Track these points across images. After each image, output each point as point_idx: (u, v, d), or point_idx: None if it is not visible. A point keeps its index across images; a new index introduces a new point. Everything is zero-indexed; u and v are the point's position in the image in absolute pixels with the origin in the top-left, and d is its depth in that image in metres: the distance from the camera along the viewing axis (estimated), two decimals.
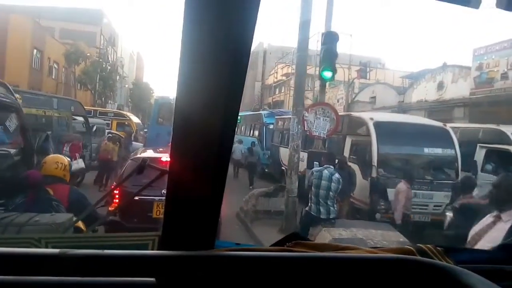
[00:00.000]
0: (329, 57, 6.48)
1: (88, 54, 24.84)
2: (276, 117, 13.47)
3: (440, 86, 15.19)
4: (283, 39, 62.46)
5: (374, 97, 19.09)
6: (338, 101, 20.02)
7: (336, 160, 5.60)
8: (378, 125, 6.79)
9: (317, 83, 28.05)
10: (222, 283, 0.66)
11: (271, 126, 13.84)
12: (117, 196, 4.17)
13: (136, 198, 3.77)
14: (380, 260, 0.71)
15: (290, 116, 11.26)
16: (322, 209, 4.85)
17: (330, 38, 6.50)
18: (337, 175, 4.95)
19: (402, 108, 16.08)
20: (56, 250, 0.65)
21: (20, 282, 0.61)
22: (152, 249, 0.90)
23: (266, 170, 12.96)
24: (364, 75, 19.11)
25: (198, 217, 0.68)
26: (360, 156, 7.03)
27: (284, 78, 30.20)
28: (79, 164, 8.47)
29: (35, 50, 21.32)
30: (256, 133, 15.42)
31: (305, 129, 6.44)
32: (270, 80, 34.24)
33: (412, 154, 6.78)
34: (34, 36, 20.76)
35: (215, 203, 0.68)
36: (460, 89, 14.00)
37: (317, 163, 6.03)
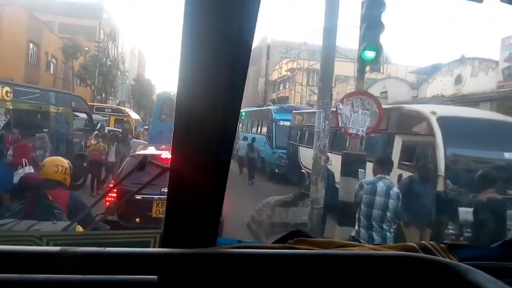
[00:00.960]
0: (372, 31, 4.91)
1: (87, 48, 24.11)
2: (293, 112, 12.11)
3: (458, 79, 14.24)
4: (287, 34, 61.49)
5: (385, 92, 18.24)
6: None
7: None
8: (444, 121, 5.25)
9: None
10: (224, 280, 0.65)
11: (282, 123, 12.55)
12: (114, 195, 3.98)
13: (135, 197, 3.63)
14: (383, 257, 0.70)
15: (311, 110, 10.79)
16: (375, 236, 3.61)
17: (374, 6, 4.91)
18: (395, 189, 3.73)
19: (417, 103, 15.22)
20: (57, 248, 0.64)
21: (20, 280, 0.61)
22: (154, 247, 0.89)
23: (276, 171, 11.89)
24: (377, 68, 18.04)
25: (199, 215, 0.68)
26: (418, 162, 5.22)
27: (288, 73, 29.38)
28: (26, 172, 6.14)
29: (31, 44, 20.52)
30: (264, 130, 14.11)
31: (339, 125, 5.14)
32: (274, 76, 33.44)
33: (489, 159, 5.14)
34: (30, 29, 19.88)
35: (217, 200, 0.68)
36: (481, 83, 13.08)
37: (362, 170, 4.90)
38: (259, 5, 0.55)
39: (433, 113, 5.54)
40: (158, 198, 3.96)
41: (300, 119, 11.15)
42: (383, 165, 3.89)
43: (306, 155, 8.91)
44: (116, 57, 33.51)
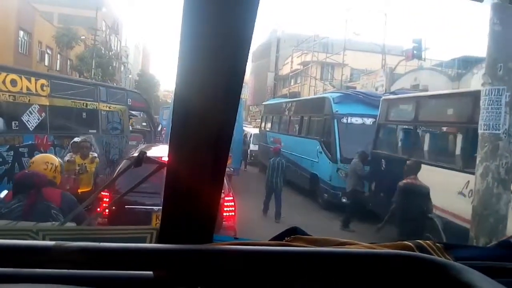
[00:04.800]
0: None
1: (83, 37, 22.34)
2: (386, 98, 7.09)
3: None
4: (298, 26, 59.06)
5: (417, 85, 15.75)
6: (376, 90, 16.80)
7: None
8: None
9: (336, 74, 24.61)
10: (220, 276, 0.65)
11: (349, 120, 7.70)
12: (105, 202, 3.55)
13: (132, 207, 3.56)
14: (379, 256, 0.70)
15: (446, 92, 6.46)
16: None
17: None
18: None
19: None
20: (52, 243, 0.64)
21: (14, 274, 0.61)
22: (150, 243, 0.89)
23: (344, 200, 6.91)
24: (419, 55, 15.26)
25: (196, 211, 0.68)
26: None
27: (301, 67, 27.16)
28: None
29: (21, 32, 18.72)
30: (316, 131, 8.92)
31: None
32: (285, 70, 31.25)
33: None
34: (20, 15, 18.06)
35: (214, 197, 0.68)
36: None
37: None
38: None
39: None
40: (158, 209, 3.61)
41: (410, 110, 5.96)
42: None
43: (435, 181, 4.58)
44: (119, 51, 32.35)
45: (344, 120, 7.84)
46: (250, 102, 36.50)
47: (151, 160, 1.15)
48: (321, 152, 8.23)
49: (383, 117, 6.75)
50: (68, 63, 24.19)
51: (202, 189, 0.65)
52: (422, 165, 4.76)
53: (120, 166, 4.53)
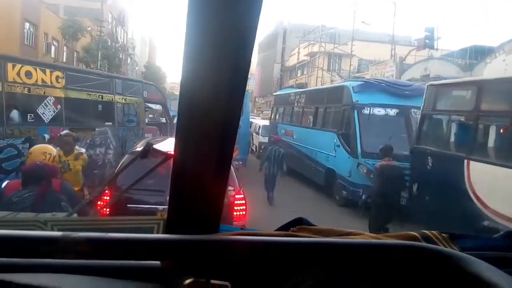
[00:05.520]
0: None
1: (89, 28, 22.24)
2: (452, 81, 6.31)
3: None
4: (305, 16, 58.16)
5: (427, 75, 15.49)
6: None
7: None
8: None
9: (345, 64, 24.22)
10: (226, 266, 0.66)
11: (371, 111, 7.02)
12: (105, 201, 3.27)
13: (135, 206, 3.36)
14: (385, 246, 0.70)
15: None
16: None
17: None
18: None
19: None
20: (59, 233, 0.63)
21: (22, 265, 0.62)
22: (157, 233, 0.88)
23: (365, 198, 5.92)
24: (431, 44, 14.83)
25: (203, 202, 0.68)
26: None
27: (307, 58, 26.90)
28: None
29: (27, 24, 18.68)
30: (333, 122, 8.32)
31: None
32: (292, 61, 30.98)
33: None
34: (26, 6, 18.03)
35: (220, 188, 0.68)
36: None
37: None
38: None
39: None
40: (163, 208, 3.46)
41: (469, 97, 5.01)
42: None
43: (495, 186, 3.80)
44: (125, 43, 32.28)
45: (366, 111, 7.14)
46: (257, 93, 36.35)
47: (157, 152, 1.12)
48: (339, 146, 7.68)
49: (430, 106, 5.68)
50: (75, 55, 24.16)
51: (208, 180, 0.65)
52: (485, 166, 4.04)
53: (123, 160, 4.22)
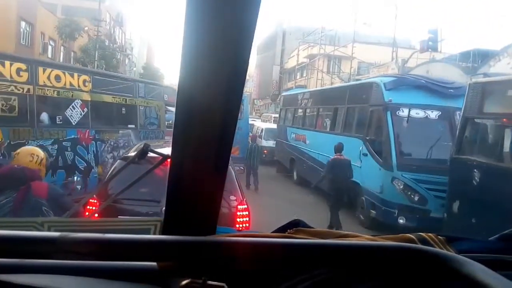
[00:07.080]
0: None
1: (86, 28, 21.84)
2: (502, 78, 5.30)
3: None
4: (304, 19, 58.51)
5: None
6: None
7: None
8: None
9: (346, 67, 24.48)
10: (223, 268, 0.66)
11: (403, 112, 5.74)
12: (90, 211, 2.91)
13: (128, 218, 2.97)
14: (381, 248, 0.70)
15: None
16: None
17: None
18: None
19: None
20: (56, 234, 0.63)
21: (19, 265, 0.62)
22: (155, 234, 0.88)
23: (401, 222, 5.47)
24: (434, 46, 14.95)
25: (200, 203, 0.68)
26: None
27: (307, 60, 27.03)
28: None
29: (23, 23, 18.19)
30: (360, 128, 6.89)
31: None
32: (291, 63, 31.06)
33: None
34: (21, 5, 17.56)
35: (217, 189, 0.68)
36: None
37: None
38: None
39: None
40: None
41: None
42: None
43: None
44: (123, 43, 31.92)
45: (401, 113, 5.79)
46: (255, 95, 36.31)
47: (155, 152, 1.10)
48: (366, 155, 6.32)
49: (474, 109, 4.74)
50: (72, 55, 23.67)
51: (206, 181, 0.65)
52: None
53: (114, 166, 3.87)
